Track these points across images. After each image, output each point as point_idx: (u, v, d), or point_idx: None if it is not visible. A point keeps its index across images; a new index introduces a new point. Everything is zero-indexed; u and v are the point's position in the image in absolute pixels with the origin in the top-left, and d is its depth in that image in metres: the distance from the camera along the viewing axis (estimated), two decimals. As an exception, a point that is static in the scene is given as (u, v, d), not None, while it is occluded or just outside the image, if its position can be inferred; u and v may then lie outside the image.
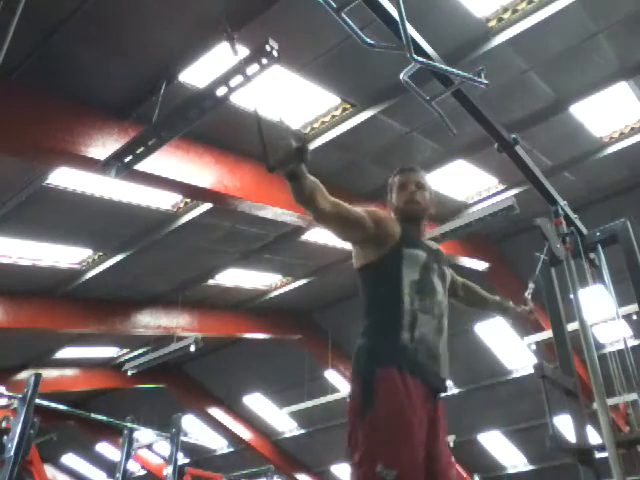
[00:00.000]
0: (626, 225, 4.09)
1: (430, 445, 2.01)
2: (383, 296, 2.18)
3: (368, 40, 2.81)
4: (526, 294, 3.26)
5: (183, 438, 8.38)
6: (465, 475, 12.89)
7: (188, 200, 7.18)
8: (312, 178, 1.96)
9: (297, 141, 1.77)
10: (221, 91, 4.40)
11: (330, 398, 10.78)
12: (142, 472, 14.80)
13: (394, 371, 2.01)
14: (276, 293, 10.13)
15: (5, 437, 4.84)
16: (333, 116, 6.20)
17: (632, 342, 8.92)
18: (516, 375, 11.14)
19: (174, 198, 7.15)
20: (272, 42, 4.03)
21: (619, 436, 3.54)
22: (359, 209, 2.17)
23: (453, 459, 2.21)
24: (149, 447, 14.26)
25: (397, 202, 2.41)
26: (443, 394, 2.17)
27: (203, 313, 10.31)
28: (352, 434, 1.98)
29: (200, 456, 15.23)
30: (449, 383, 12.14)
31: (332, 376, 11.90)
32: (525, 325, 2.98)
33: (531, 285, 3.38)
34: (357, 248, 2.28)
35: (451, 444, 11.44)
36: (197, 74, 5.33)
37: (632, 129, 6.85)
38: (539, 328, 9.22)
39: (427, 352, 2.11)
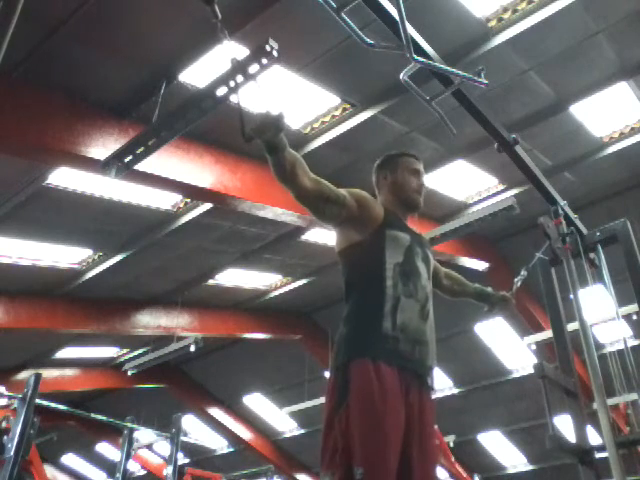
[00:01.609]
0: (626, 225, 4.08)
1: (411, 437, 1.92)
2: (364, 279, 2.09)
3: (368, 40, 2.81)
4: (516, 279, 3.30)
5: (183, 438, 8.40)
6: (465, 475, 12.88)
7: (188, 200, 7.18)
8: (292, 151, 1.91)
9: (275, 111, 1.77)
10: (221, 91, 4.40)
11: (330, 398, 10.77)
12: (142, 472, 14.84)
13: (368, 363, 1.91)
14: (276, 293, 10.14)
15: (5, 437, 4.84)
16: (333, 116, 6.20)
17: (632, 342, 8.93)
18: (516, 375, 11.15)
19: (174, 198, 7.15)
20: (272, 42, 4.02)
21: (619, 437, 3.53)
22: (341, 189, 2.09)
23: (441, 451, 2.16)
24: (149, 447, 14.27)
25: (405, 183, 2.33)
26: (431, 383, 2.08)
27: (203, 313, 10.31)
28: (328, 434, 1.90)
29: (200, 456, 15.23)
30: (449, 383, 12.16)
31: (332, 376, 11.90)
32: (506, 310, 2.99)
33: (523, 272, 3.43)
34: (339, 230, 2.20)
35: (451, 444, 11.45)
36: (197, 74, 5.33)
37: (632, 129, 6.85)
38: (539, 328, 9.23)
39: (410, 339, 2.01)
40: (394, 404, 1.90)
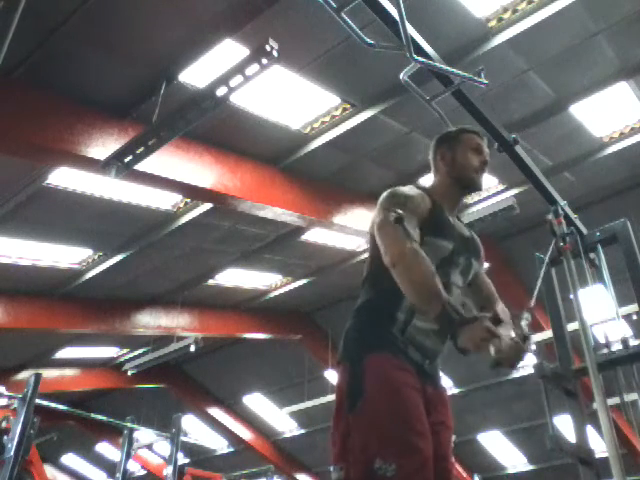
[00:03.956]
0: (626, 225, 4.08)
1: (433, 433, 1.81)
2: (385, 276, 1.84)
3: (368, 40, 2.81)
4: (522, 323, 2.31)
5: (183, 438, 8.39)
6: (465, 475, 12.89)
7: (188, 200, 7.18)
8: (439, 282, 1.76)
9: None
10: (221, 91, 4.41)
11: (330, 398, 10.77)
12: (142, 472, 14.82)
13: (387, 356, 1.81)
14: (276, 293, 10.13)
15: (5, 437, 4.85)
16: (333, 116, 6.20)
17: (632, 342, 8.91)
18: (516, 375, 11.14)
19: (174, 198, 7.15)
20: (272, 42, 4.03)
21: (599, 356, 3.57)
22: (409, 221, 1.87)
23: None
24: (149, 447, 14.28)
25: (466, 162, 2.12)
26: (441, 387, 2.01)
27: (203, 313, 10.31)
28: (339, 432, 1.76)
29: (200, 456, 15.23)
30: (449, 383, 12.14)
31: (332, 376, 11.91)
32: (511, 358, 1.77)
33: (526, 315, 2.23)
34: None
35: (451, 444, 11.47)
36: (197, 74, 5.33)
37: (632, 129, 6.84)
38: (539, 328, 9.22)
39: (421, 353, 1.90)
40: (419, 397, 1.81)
